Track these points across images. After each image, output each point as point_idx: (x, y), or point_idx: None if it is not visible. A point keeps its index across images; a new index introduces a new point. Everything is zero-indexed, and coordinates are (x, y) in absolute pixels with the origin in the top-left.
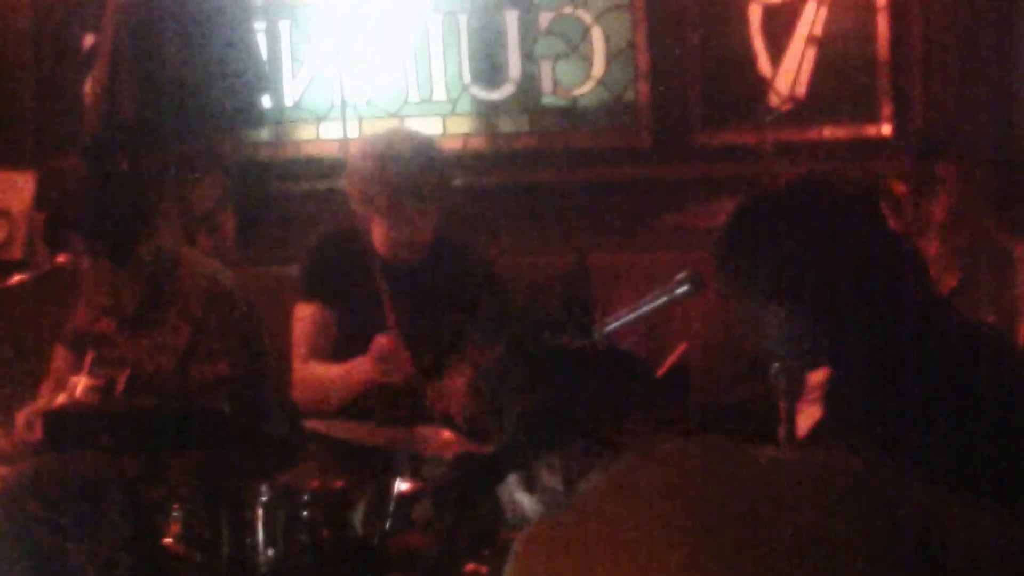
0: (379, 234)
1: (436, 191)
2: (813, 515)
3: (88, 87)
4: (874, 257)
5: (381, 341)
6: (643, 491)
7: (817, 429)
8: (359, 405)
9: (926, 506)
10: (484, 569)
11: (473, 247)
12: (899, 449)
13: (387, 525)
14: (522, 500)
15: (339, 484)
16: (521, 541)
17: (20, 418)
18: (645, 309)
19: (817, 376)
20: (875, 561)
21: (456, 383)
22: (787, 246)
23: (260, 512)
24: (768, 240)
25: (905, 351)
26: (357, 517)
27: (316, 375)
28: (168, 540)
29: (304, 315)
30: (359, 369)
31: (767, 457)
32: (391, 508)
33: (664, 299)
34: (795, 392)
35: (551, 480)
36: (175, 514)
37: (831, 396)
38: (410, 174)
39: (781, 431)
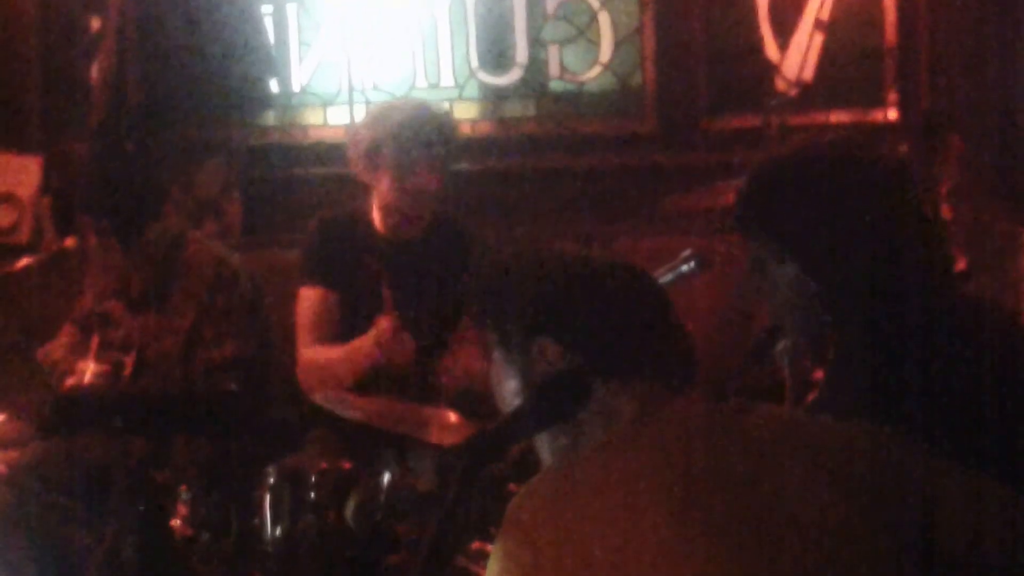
0: (383, 196)
1: (443, 151)
2: (814, 484)
3: (94, 71)
4: (894, 228)
5: (381, 323)
6: (640, 453)
7: (820, 398)
8: (365, 386)
9: (930, 482)
10: (489, 547)
11: (472, 227)
12: (901, 422)
13: (379, 517)
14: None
15: (346, 466)
16: (517, 500)
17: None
18: None
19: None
20: (876, 532)
21: (463, 359)
22: (807, 205)
23: (267, 494)
24: (789, 197)
25: (914, 324)
26: (348, 512)
27: (320, 358)
28: (175, 522)
29: (307, 298)
30: (361, 351)
31: (769, 422)
32: (383, 500)
33: (669, 277)
34: (800, 369)
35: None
36: (182, 496)
37: (836, 365)
38: (414, 123)
39: (787, 407)
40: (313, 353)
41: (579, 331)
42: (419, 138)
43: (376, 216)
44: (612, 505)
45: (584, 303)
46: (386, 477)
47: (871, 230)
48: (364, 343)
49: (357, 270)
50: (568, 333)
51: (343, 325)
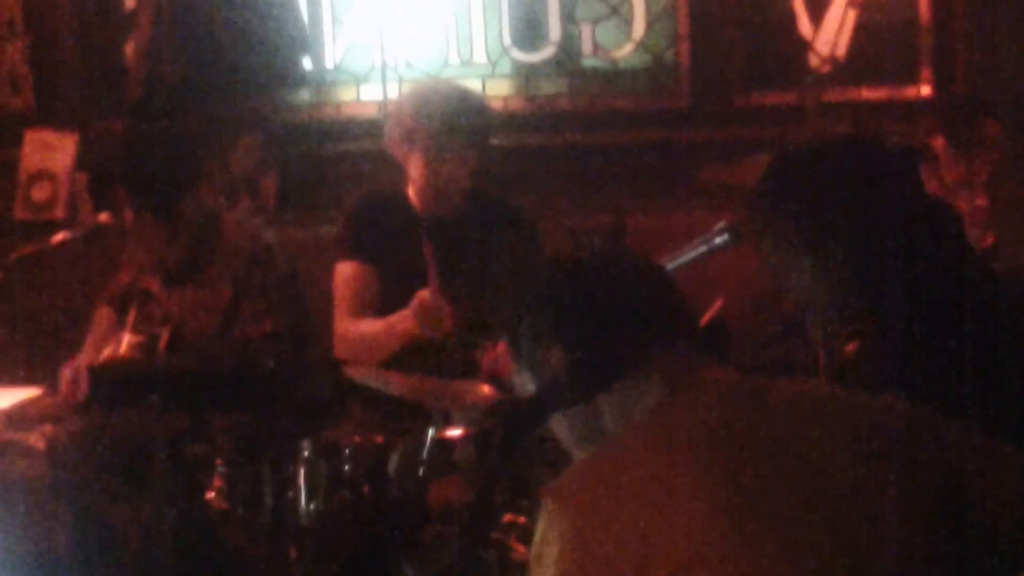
0: (417, 178)
1: (476, 132)
2: (846, 456)
3: (130, 48)
4: (908, 214)
5: (422, 296)
6: (676, 431)
7: (854, 378)
8: (403, 360)
9: (958, 455)
10: (522, 520)
11: (510, 204)
12: (933, 399)
13: (421, 472)
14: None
15: (380, 440)
16: (563, 476)
17: (65, 374)
18: (683, 259)
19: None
20: (905, 502)
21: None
22: (823, 197)
23: (302, 468)
24: (806, 190)
25: (937, 305)
26: (392, 466)
27: (358, 331)
28: (211, 496)
29: (345, 273)
30: (401, 323)
31: (799, 394)
32: (426, 455)
33: (703, 249)
34: (832, 345)
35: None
36: (218, 470)
37: (865, 346)
38: (451, 110)
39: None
40: (351, 326)
41: (584, 334)
42: (454, 126)
43: (412, 195)
44: (649, 478)
45: (587, 303)
46: (430, 432)
47: (891, 215)
48: (403, 316)
49: (395, 245)
50: (573, 337)
51: (381, 300)
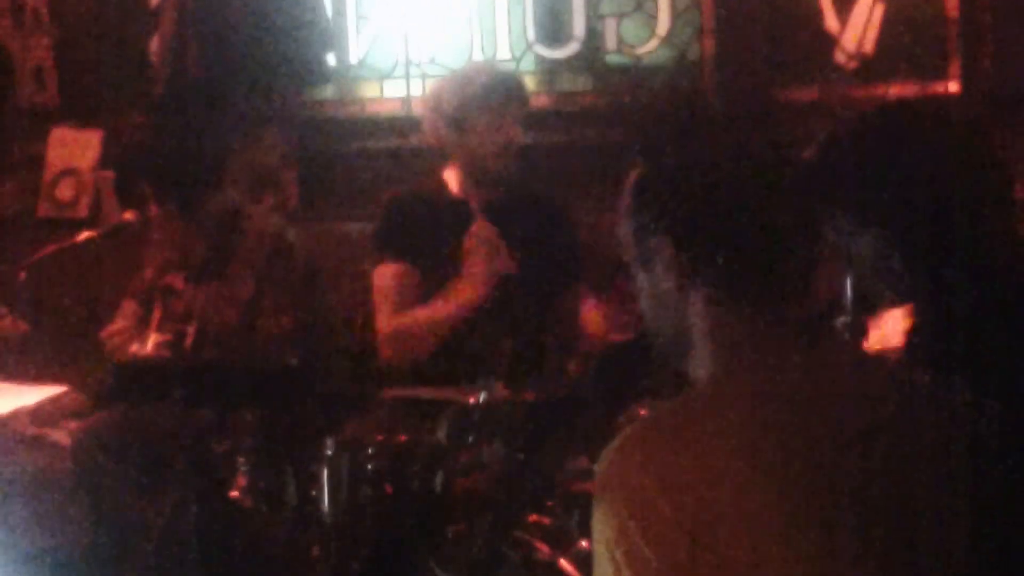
0: (467, 159)
1: (518, 104)
2: (901, 432)
3: (155, 44)
4: (980, 184)
5: (477, 227)
6: (735, 400)
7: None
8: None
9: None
10: (547, 520)
11: (547, 196)
12: (983, 384)
13: (470, 439)
14: None
15: (403, 438)
16: (609, 455)
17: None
18: None
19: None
20: (939, 493)
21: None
22: (884, 170)
23: (325, 465)
24: (864, 163)
25: (993, 287)
26: (440, 432)
27: (408, 321)
28: (234, 493)
29: (386, 275)
30: (455, 294)
31: (863, 370)
32: (476, 417)
33: None
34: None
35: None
36: (241, 467)
37: (915, 332)
38: (494, 86)
39: None
40: (398, 320)
41: (699, 236)
42: (500, 99)
43: (455, 181)
44: (707, 446)
45: (718, 214)
46: (482, 396)
47: (950, 194)
48: (457, 285)
49: (433, 241)
50: (686, 236)
51: (424, 298)
